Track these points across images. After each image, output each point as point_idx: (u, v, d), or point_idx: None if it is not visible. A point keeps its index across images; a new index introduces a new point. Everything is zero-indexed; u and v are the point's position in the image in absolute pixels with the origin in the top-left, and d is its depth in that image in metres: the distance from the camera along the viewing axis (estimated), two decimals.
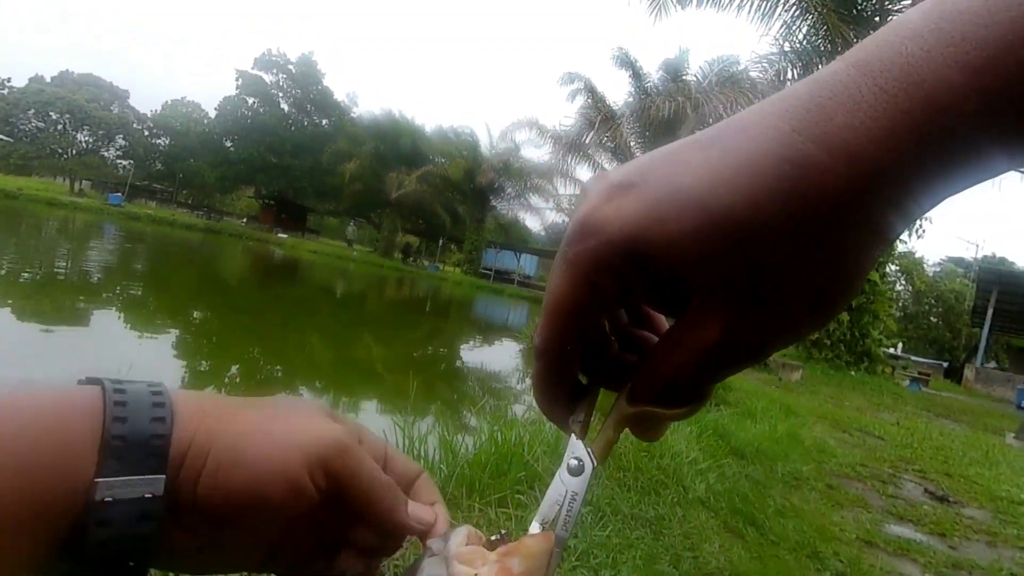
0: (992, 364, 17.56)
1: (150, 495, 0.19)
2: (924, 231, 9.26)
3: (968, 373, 14.43)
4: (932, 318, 26.46)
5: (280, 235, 30.31)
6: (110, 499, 0.19)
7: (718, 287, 0.17)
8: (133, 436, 0.19)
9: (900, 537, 2.02)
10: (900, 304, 24.85)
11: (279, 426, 0.22)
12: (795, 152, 0.16)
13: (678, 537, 1.63)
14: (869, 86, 0.16)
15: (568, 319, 0.19)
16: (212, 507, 0.20)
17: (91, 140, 40.18)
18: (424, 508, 0.25)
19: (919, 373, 10.63)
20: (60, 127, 38.68)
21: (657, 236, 0.17)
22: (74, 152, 39.30)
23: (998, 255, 32.24)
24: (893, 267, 9.71)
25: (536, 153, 22.33)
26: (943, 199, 0.16)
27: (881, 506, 2.40)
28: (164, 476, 0.19)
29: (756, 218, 0.16)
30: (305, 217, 40.35)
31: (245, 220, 38.57)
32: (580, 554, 1.42)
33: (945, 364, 18.27)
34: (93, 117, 38.40)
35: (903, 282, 25.01)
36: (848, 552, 1.76)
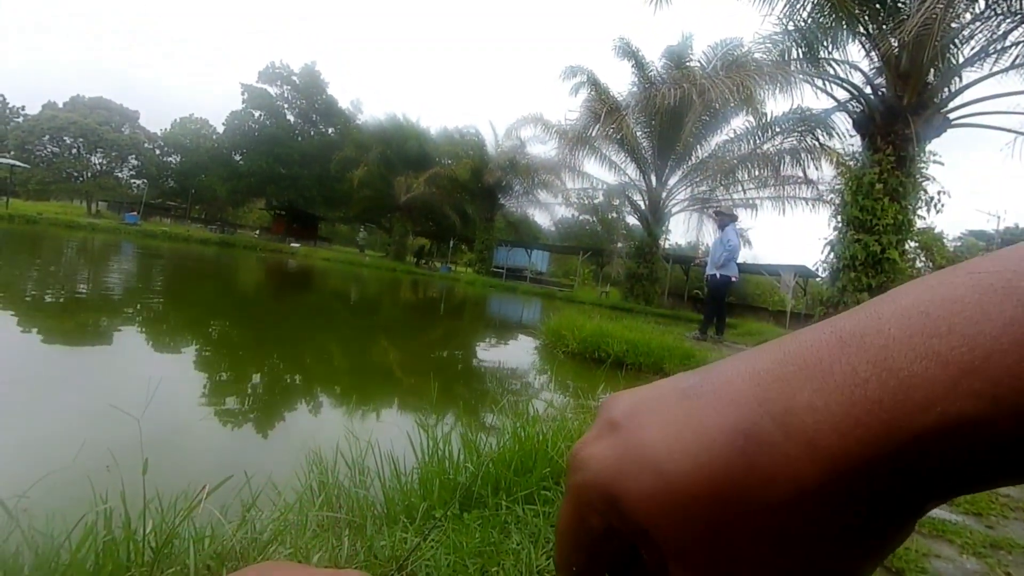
0: None
1: None
2: (943, 206, 9.03)
3: None
4: None
5: (293, 244, 30.68)
6: None
7: (680, 554, 0.16)
8: None
9: (936, 519, 1.98)
10: None
11: None
12: (753, 427, 0.15)
13: None
14: (842, 364, 0.15)
15: (568, 544, 0.20)
16: None
17: (105, 162, 41.05)
18: None
19: None
20: (75, 151, 39.58)
21: (622, 490, 0.17)
22: (89, 175, 40.18)
23: (1021, 226, 31.39)
24: (912, 244, 9.49)
25: (542, 149, 22.28)
26: (948, 497, 0.15)
27: None
28: None
29: (710, 491, 0.15)
30: (316, 225, 40.79)
31: (258, 232, 39.13)
32: None
33: None
34: (106, 140, 39.23)
35: (923, 258, 24.50)
36: None
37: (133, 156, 41.92)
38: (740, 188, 17.58)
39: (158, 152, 44.39)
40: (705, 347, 6.27)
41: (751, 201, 18.06)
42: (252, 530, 1.26)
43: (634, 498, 0.17)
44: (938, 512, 2.09)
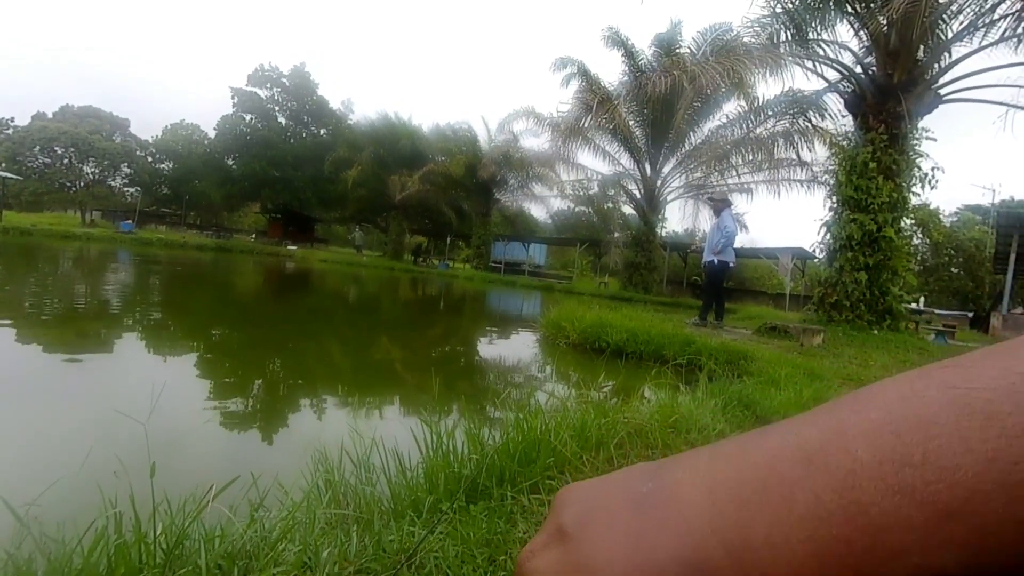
0: (1019, 310, 17.18)
1: None
2: (937, 182, 9.04)
3: (995, 321, 14.15)
4: (953, 269, 25.92)
5: (290, 247, 30.64)
6: None
7: None
8: None
9: None
10: (919, 258, 24.37)
11: None
12: (706, 561, 0.14)
13: None
14: (804, 491, 0.13)
15: None
16: None
17: (97, 171, 40.82)
18: None
19: (944, 326, 10.45)
20: (66, 161, 39.36)
21: None
22: (82, 184, 39.98)
23: (1016, 198, 31.44)
24: (908, 221, 9.50)
25: (535, 142, 22.19)
26: None
27: None
28: None
29: None
30: (312, 227, 40.70)
31: (254, 236, 39.02)
32: None
33: (970, 314, 17.94)
34: (97, 148, 38.99)
35: (920, 235, 24.52)
36: None
37: (125, 164, 41.71)
38: (735, 173, 17.57)
39: (150, 159, 44.18)
40: (705, 333, 6.29)
41: (746, 185, 18.06)
42: (261, 529, 1.27)
43: None
44: None
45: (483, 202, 27.16)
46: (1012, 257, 13.31)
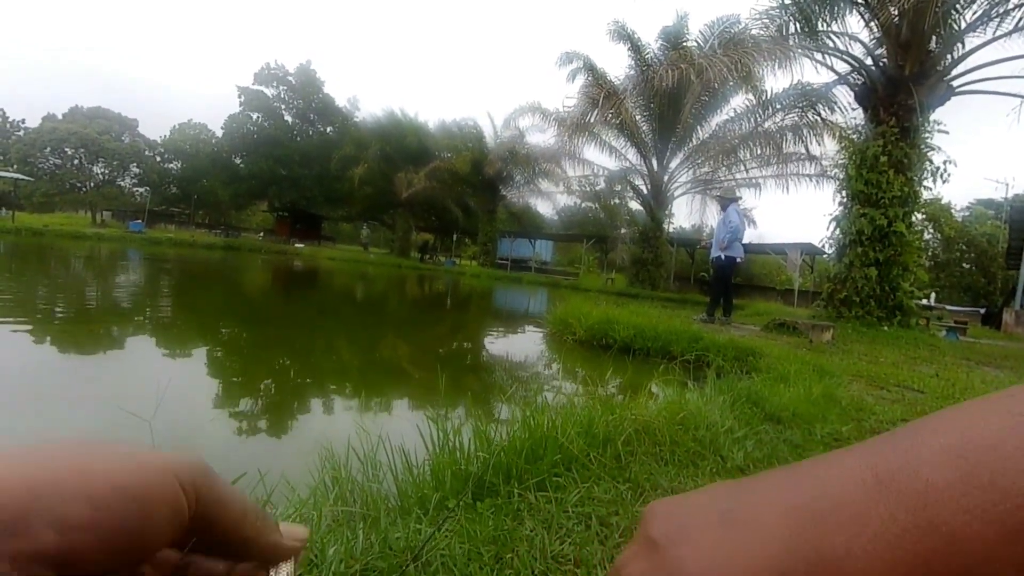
0: None
1: None
2: (949, 175, 8.90)
3: (1007, 317, 13.94)
4: (964, 264, 25.57)
5: (297, 245, 30.81)
6: None
7: None
8: None
9: None
10: (930, 253, 24.07)
11: (120, 450, 0.19)
12: (787, 573, 0.15)
13: None
14: (879, 510, 0.14)
15: None
16: None
17: (107, 171, 41.23)
18: (297, 526, 0.24)
19: (955, 322, 10.32)
20: (76, 162, 39.77)
21: None
22: (92, 185, 40.39)
23: None
24: (919, 215, 9.37)
25: (541, 138, 22.18)
26: None
27: None
28: None
29: None
30: (319, 225, 40.89)
31: (262, 234, 39.28)
32: (623, 530, 1.43)
33: (982, 310, 17.69)
34: (107, 149, 39.37)
35: (931, 230, 24.22)
36: None
37: (135, 164, 42.09)
38: (742, 168, 17.43)
39: (159, 159, 44.54)
40: (713, 329, 6.25)
41: (754, 180, 17.91)
42: None
43: None
44: None
45: (489, 199, 27.14)
46: None
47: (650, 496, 1.64)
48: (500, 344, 7.08)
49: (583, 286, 19.57)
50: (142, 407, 1.61)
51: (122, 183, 42.89)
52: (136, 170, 42.51)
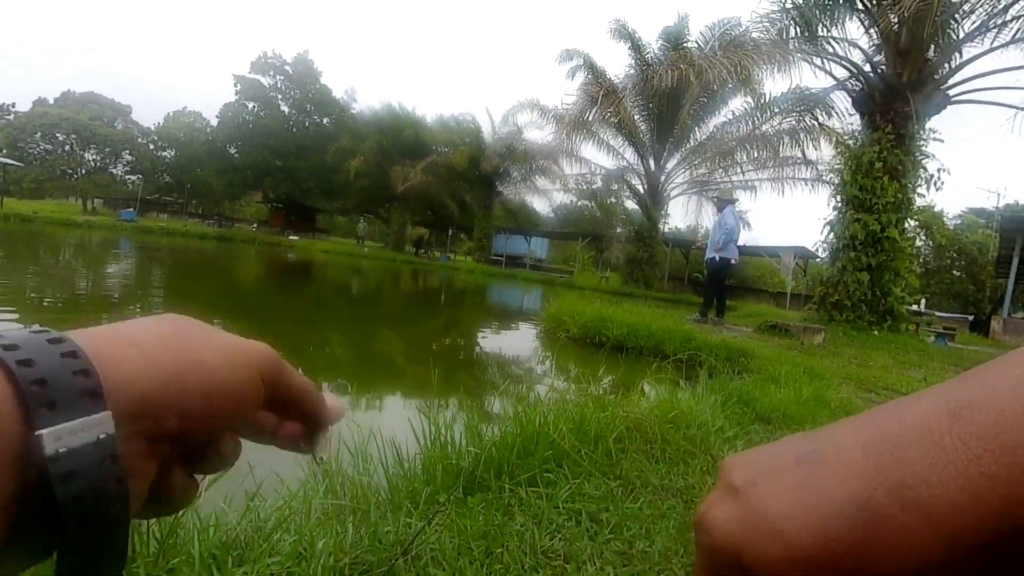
0: (1020, 314, 17.14)
1: (104, 435, 0.18)
2: (942, 183, 8.98)
3: (995, 325, 14.12)
4: (955, 272, 25.85)
5: (292, 237, 30.62)
6: (64, 449, 0.17)
7: None
8: (53, 378, 0.18)
9: None
10: (921, 260, 24.29)
11: (218, 344, 0.24)
12: (869, 499, 0.16)
13: None
14: (952, 438, 0.15)
15: None
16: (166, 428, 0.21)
17: (99, 158, 40.75)
18: (337, 400, 0.31)
19: (944, 328, 10.42)
20: (67, 148, 39.28)
21: (748, 556, 0.18)
22: (83, 172, 39.93)
23: (1021, 202, 31.27)
24: (912, 222, 9.44)
25: (539, 135, 22.10)
26: None
27: None
28: (109, 412, 0.18)
29: (833, 561, 0.16)
30: (314, 217, 40.64)
31: (256, 225, 38.96)
32: (613, 527, 1.43)
33: (971, 317, 17.90)
34: (98, 135, 38.90)
35: (923, 237, 24.44)
36: None
37: (127, 151, 41.62)
38: (739, 170, 17.50)
39: (152, 147, 44.08)
40: (706, 329, 6.27)
41: (750, 183, 17.99)
42: (256, 519, 1.26)
43: (760, 564, 0.17)
44: None
45: (486, 194, 27.09)
46: (1015, 261, 13.27)
47: (641, 493, 1.64)
48: (493, 340, 7.08)
49: (578, 284, 19.59)
50: None
51: (114, 171, 42.42)
52: (129, 157, 42.06)
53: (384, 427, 1.93)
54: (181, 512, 1.18)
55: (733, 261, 7.41)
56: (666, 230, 23.89)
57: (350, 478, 1.70)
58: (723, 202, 7.54)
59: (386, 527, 1.29)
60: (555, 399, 2.22)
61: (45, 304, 5.41)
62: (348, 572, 1.12)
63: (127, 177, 43.65)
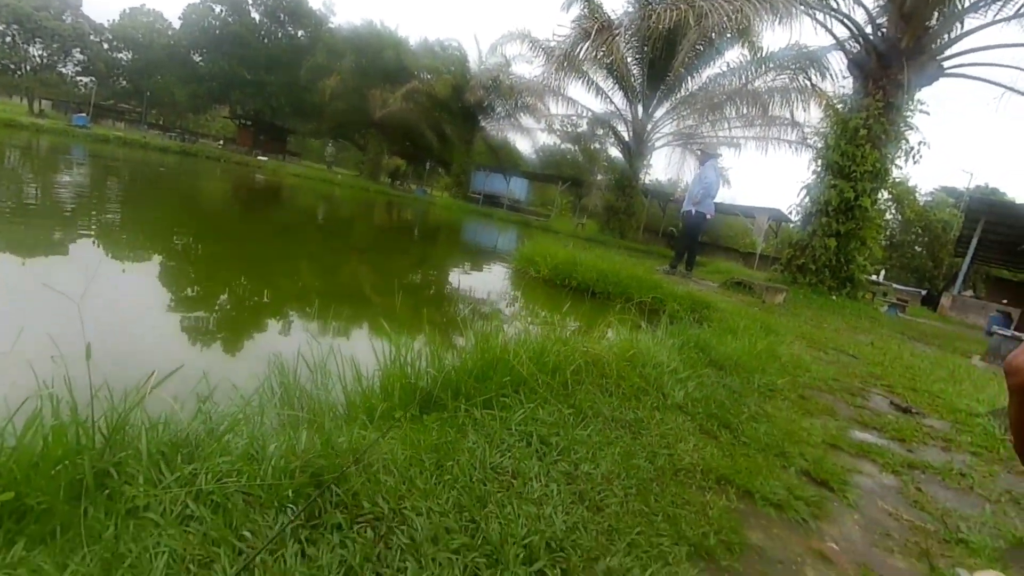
0: (969, 292, 18.08)
1: None
2: (921, 156, 9.10)
3: (944, 300, 14.88)
4: (917, 247, 26.81)
5: (260, 157, 29.14)
6: None
7: None
8: None
9: (863, 442, 2.15)
10: (888, 232, 25.04)
11: None
12: None
13: (655, 437, 1.72)
14: None
15: (1019, 432, 0.26)
16: None
17: (46, 54, 37.11)
18: None
19: (898, 299, 10.94)
20: (9, 39, 35.53)
21: None
22: (28, 68, 36.44)
23: (991, 185, 32.18)
24: (886, 194, 9.63)
25: (528, 69, 21.15)
26: None
27: (848, 415, 2.53)
28: None
29: None
30: (285, 139, 38.66)
31: (222, 142, 36.82)
32: (561, 450, 1.49)
33: (924, 292, 18.81)
34: (44, 28, 35.20)
35: (893, 211, 25.06)
36: (813, 453, 1.87)
37: (77, 49, 37.93)
38: (726, 125, 17.27)
39: (106, 47, 40.26)
40: (673, 280, 6.40)
41: (736, 140, 17.84)
42: (208, 421, 1.26)
43: None
44: (866, 436, 2.27)
45: (467, 128, 26.13)
46: (974, 241, 13.79)
47: (591, 421, 1.71)
48: (464, 278, 7.06)
49: (554, 228, 19.51)
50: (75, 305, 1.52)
51: (63, 69, 38.83)
52: (80, 56, 38.43)
53: (345, 349, 1.93)
54: (129, 408, 1.17)
55: (708, 216, 7.46)
56: (647, 181, 23.73)
57: (308, 393, 1.71)
58: (706, 156, 7.48)
59: (340, 437, 1.31)
60: (518, 332, 2.25)
61: None
62: (299, 475, 1.14)
63: (78, 79, 40.09)
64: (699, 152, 7.98)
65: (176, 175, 14.61)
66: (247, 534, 0.99)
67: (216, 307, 3.43)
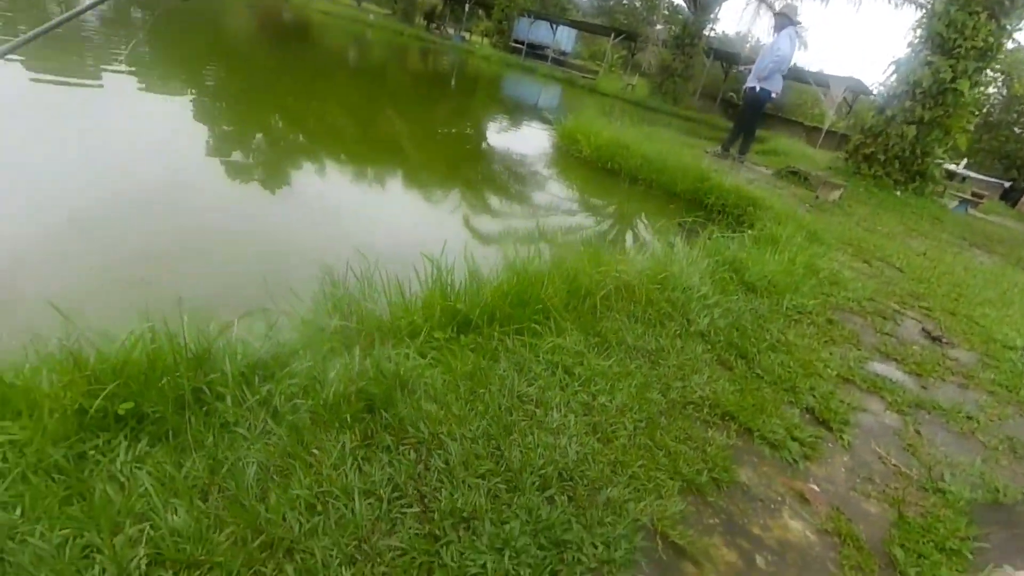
0: None
1: None
2: None
3: None
4: (1016, 129, 23.65)
5: None
6: None
7: None
8: None
9: (878, 375, 2.22)
10: (984, 110, 21.98)
11: None
12: None
13: (672, 368, 1.85)
14: None
15: None
16: None
17: None
18: None
19: (972, 193, 10.03)
20: None
21: None
22: None
23: None
24: (992, 71, 8.27)
25: None
26: None
27: (872, 344, 2.55)
28: None
29: None
30: None
31: None
32: (583, 381, 1.65)
33: (1008, 184, 17.08)
34: None
35: (999, 84, 21.67)
36: (824, 388, 1.98)
37: None
38: None
39: None
40: (723, 168, 6.04)
41: None
42: (276, 344, 1.44)
43: None
44: (884, 368, 2.34)
45: None
46: None
47: (614, 351, 1.84)
48: (502, 138, 6.83)
49: (600, 89, 17.98)
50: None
51: None
52: None
53: (388, 259, 2.03)
54: (215, 336, 1.35)
55: (774, 94, 6.70)
56: (712, 35, 20.90)
57: (356, 302, 1.87)
58: (783, 20, 6.46)
59: (388, 361, 1.48)
60: (554, 253, 2.30)
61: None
62: (354, 401, 1.33)
63: None
64: (777, 14, 6.85)
65: (194, 9, 13.67)
66: (315, 451, 1.20)
67: (252, 151, 3.52)
